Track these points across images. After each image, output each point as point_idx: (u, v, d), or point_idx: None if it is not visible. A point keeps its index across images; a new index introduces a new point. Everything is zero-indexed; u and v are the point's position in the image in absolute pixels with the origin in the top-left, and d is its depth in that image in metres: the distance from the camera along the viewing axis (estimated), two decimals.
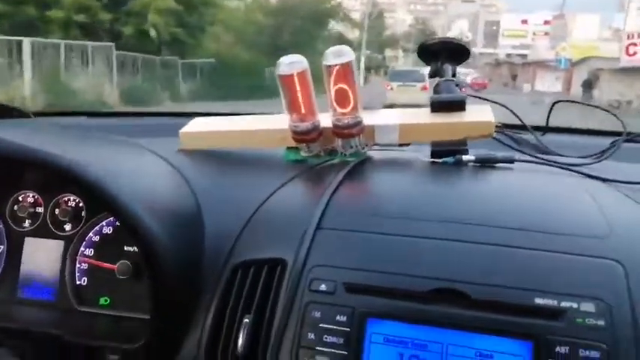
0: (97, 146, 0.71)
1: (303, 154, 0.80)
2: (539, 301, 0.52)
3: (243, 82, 12.36)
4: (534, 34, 43.65)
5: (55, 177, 0.73)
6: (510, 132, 0.90)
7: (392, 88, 13.61)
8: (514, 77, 32.98)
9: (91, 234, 0.75)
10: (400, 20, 61.72)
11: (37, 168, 0.60)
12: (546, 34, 40.84)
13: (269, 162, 0.81)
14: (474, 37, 54.54)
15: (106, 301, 0.73)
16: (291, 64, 0.73)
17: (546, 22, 42.28)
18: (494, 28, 49.40)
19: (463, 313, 0.52)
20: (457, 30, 53.37)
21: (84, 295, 0.74)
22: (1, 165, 0.74)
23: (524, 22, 44.94)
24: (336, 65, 0.72)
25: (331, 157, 0.80)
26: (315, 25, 20.47)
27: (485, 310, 0.52)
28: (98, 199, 0.57)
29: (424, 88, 12.99)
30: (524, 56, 35.45)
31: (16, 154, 0.57)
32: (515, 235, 0.57)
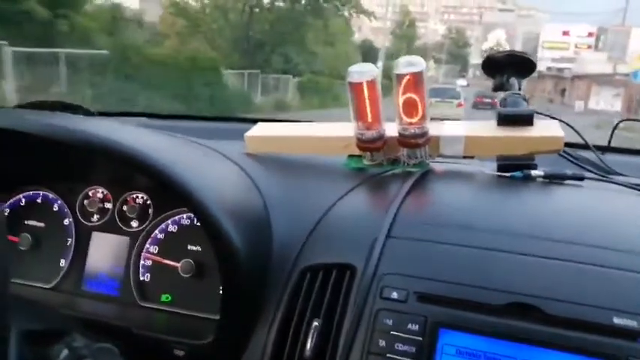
0: (172, 144, 0.73)
1: (365, 162, 0.80)
2: (617, 320, 0.50)
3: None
4: (577, 46, 41.26)
5: (128, 172, 0.75)
6: (571, 150, 0.89)
7: (430, 104, 13.99)
8: (562, 92, 29.42)
9: (156, 232, 0.77)
10: (432, 30, 60.48)
11: (120, 163, 0.61)
12: (589, 47, 38.85)
13: (331, 169, 0.81)
14: (512, 48, 52.39)
15: (167, 298, 0.74)
16: (362, 72, 0.73)
17: (590, 35, 40.12)
18: (533, 39, 47.14)
19: (538, 329, 0.51)
20: (493, 40, 51.64)
21: (147, 291, 0.75)
22: (76, 160, 0.76)
23: (566, 33, 42.22)
24: (406, 74, 0.72)
25: (393, 166, 0.80)
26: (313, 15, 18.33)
27: (560, 327, 0.51)
28: (177, 196, 0.58)
29: (459, 105, 14.51)
30: (561, 70, 32.37)
31: (104, 149, 0.58)
32: (591, 253, 0.56)
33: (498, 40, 51.36)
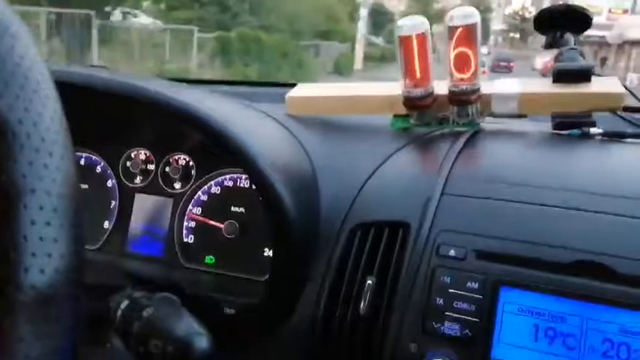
0: (223, 104, 0.71)
1: (412, 121, 0.77)
2: None
3: None
4: (610, 10, 36.22)
5: (171, 133, 0.74)
6: (627, 113, 0.85)
7: None
8: (603, 61, 25.50)
9: (199, 193, 0.76)
10: None
11: (177, 120, 0.60)
12: (625, 11, 34.20)
13: (377, 129, 0.79)
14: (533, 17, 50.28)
15: (211, 259, 0.73)
16: (412, 24, 0.70)
17: None
18: (561, 1, 45.38)
19: (606, 287, 0.49)
20: (518, 3, 48.46)
21: (191, 252, 0.75)
22: (119, 121, 0.75)
23: None
24: (459, 27, 0.69)
25: (441, 126, 0.77)
26: None
27: (628, 285, 0.48)
28: (230, 153, 0.57)
29: (484, 72, 14.97)
30: (602, 37, 28.29)
31: (164, 106, 0.58)
32: None
33: (523, 4, 47.81)
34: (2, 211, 0.26)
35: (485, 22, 50.90)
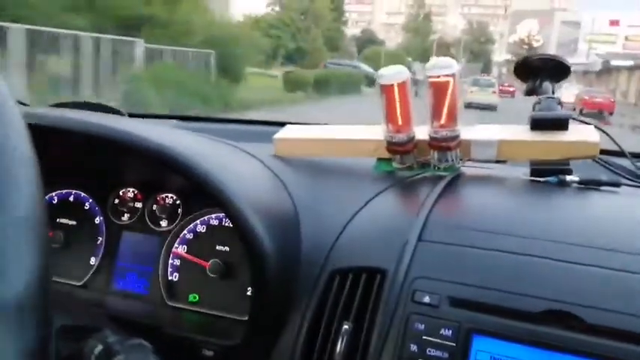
0: (205, 145, 0.73)
1: (395, 165, 0.79)
2: None
3: None
4: (627, 38, 33.56)
5: (159, 172, 0.75)
6: (606, 157, 0.87)
7: (472, 92, 17.42)
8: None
9: (185, 231, 0.77)
10: (451, 26, 55.49)
11: (153, 162, 0.62)
12: None
13: (360, 172, 0.81)
14: (546, 42, 44.78)
15: (195, 297, 0.74)
16: (393, 74, 0.73)
17: None
18: (572, 30, 39.85)
19: (576, 337, 0.50)
20: (524, 31, 46.09)
21: (175, 290, 0.76)
22: (108, 160, 0.77)
23: (614, 23, 33.93)
24: (437, 77, 0.71)
25: (423, 169, 0.79)
26: None
27: (600, 336, 0.49)
28: (209, 195, 0.59)
29: (494, 92, 18.17)
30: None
31: (138, 147, 0.60)
32: (631, 260, 0.54)
33: (530, 32, 45.80)
34: None
35: (487, 53, 47.76)
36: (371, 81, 16.31)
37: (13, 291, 0.28)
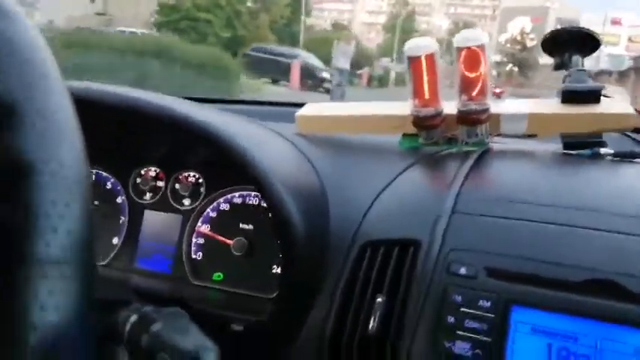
0: (236, 121, 0.72)
1: (421, 141, 0.78)
2: None
3: None
4: (631, 39, 31.24)
5: (181, 150, 0.74)
6: (634, 134, 0.86)
7: None
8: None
9: (208, 210, 0.76)
10: (436, 27, 52.94)
11: (187, 135, 0.61)
12: None
13: (386, 148, 0.79)
14: (540, 40, 43.28)
15: (219, 276, 0.73)
16: (421, 45, 0.71)
17: None
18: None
19: (620, 306, 0.48)
20: (516, 29, 41.90)
21: (199, 269, 0.74)
22: (129, 138, 0.75)
23: (616, 22, 31.53)
24: (467, 48, 0.70)
25: (450, 145, 0.77)
26: None
27: None
28: (241, 168, 0.58)
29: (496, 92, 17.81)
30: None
31: (179, 123, 0.58)
32: None
33: (522, 30, 41.31)
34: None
35: None
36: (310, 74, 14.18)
37: (63, 246, 0.27)
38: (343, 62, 10.37)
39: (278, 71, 14.14)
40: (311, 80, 14.38)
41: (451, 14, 58.45)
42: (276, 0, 25.17)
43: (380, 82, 21.88)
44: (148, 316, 0.47)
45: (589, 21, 33.41)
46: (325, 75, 14.04)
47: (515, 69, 36.46)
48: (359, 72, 19.46)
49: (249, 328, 0.63)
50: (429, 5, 59.52)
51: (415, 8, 45.21)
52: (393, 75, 22.54)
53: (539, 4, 46.79)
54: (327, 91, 12.03)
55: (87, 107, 0.60)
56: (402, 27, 37.91)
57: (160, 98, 0.63)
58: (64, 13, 16.95)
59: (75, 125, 0.31)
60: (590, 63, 0.81)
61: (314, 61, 16.16)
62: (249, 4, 22.34)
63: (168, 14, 18.38)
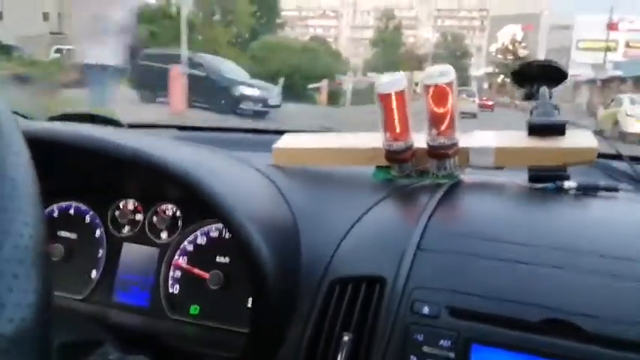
0: (203, 156, 0.73)
1: (393, 173, 0.80)
2: None
3: None
4: (629, 44, 28.64)
5: (159, 184, 0.75)
6: (604, 161, 0.87)
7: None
8: None
9: (185, 243, 0.77)
10: (424, 39, 50.68)
11: (151, 174, 0.62)
12: None
13: (359, 180, 0.81)
14: (533, 49, 39.72)
15: (195, 309, 0.74)
16: (391, 82, 0.73)
17: None
18: (562, 35, 33.93)
19: (575, 346, 0.50)
20: (507, 38, 40.49)
21: (176, 302, 0.75)
22: (108, 172, 0.77)
23: (613, 27, 28.12)
24: (435, 85, 0.72)
25: (422, 177, 0.79)
26: None
27: (599, 345, 0.49)
28: (207, 206, 0.59)
29: (474, 102, 19.48)
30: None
31: (137, 160, 0.59)
32: (631, 267, 0.54)
33: (513, 38, 40.17)
34: None
35: (463, 68, 41.23)
36: None
37: (12, 325, 0.28)
38: (275, 99, 10.00)
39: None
40: (220, 98, 9.83)
41: (438, 27, 57.05)
42: (239, 11, 22.86)
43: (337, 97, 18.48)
44: None
45: (584, 26, 31.40)
46: (249, 92, 10.19)
47: (508, 80, 32.62)
48: (316, 85, 17.41)
49: None
50: (415, 18, 58.31)
51: (402, 22, 43.86)
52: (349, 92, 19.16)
53: (529, 12, 45.60)
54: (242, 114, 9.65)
55: (60, 147, 0.63)
56: (388, 41, 36.98)
57: (116, 135, 0.64)
58: (21, 32, 16.40)
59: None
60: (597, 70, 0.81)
61: (230, 71, 10.93)
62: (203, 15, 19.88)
63: None
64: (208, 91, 9.69)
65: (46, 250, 0.32)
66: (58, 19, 22.31)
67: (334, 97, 17.89)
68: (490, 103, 25.48)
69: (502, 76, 37.47)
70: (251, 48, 21.19)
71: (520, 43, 40.07)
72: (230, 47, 21.66)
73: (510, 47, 39.63)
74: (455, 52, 43.20)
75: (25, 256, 0.30)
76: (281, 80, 11.89)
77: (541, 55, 36.25)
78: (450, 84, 0.72)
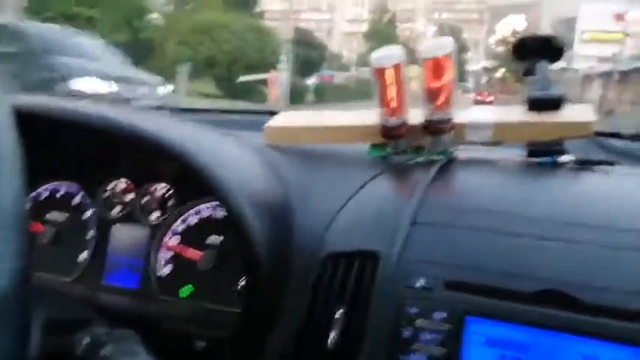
0: (198, 133, 0.72)
1: (389, 150, 0.78)
2: None
3: None
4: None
5: (150, 162, 0.74)
6: (602, 138, 0.87)
7: None
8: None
9: (177, 223, 0.76)
10: (420, 33, 49.60)
11: (144, 150, 0.61)
12: None
13: (354, 157, 0.80)
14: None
15: (188, 290, 0.73)
16: (387, 56, 0.72)
17: None
18: (567, 26, 32.20)
19: (570, 316, 0.49)
20: (507, 29, 39.67)
21: (167, 283, 0.74)
22: (98, 151, 0.75)
23: (620, 17, 26.17)
24: (433, 58, 0.70)
25: (417, 154, 0.77)
26: None
27: (593, 314, 0.49)
28: (202, 183, 0.58)
29: (468, 98, 20.94)
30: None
31: (131, 135, 0.58)
32: (625, 237, 0.53)
33: (515, 29, 39.02)
34: None
35: (460, 63, 42.99)
36: None
37: None
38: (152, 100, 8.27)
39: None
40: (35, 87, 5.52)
41: (435, 20, 55.52)
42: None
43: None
44: (100, 338, 0.48)
45: (588, 16, 29.60)
46: (89, 87, 5.92)
47: (508, 74, 32.49)
48: (265, 76, 13.90)
49: (213, 344, 0.63)
50: (411, 11, 56.41)
51: (397, 14, 42.85)
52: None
53: (530, 1, 43.64)
54: None
55: (54, 124, 0.61)
56: (383, 34, 35.69)
57: (120, 112, 0.63)
58: None
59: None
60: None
61: (74, 50, 6.64)
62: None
63: (38, 10, 12.61)
64: (17, 76, 5.60)
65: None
66: None
67: (296, 95, 14.96)
68: (490, 99, 23.38)
69: (503, 70, 35.98)
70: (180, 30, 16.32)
71: (519, 33, 38.93)
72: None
73: (511, 39, 38.10)
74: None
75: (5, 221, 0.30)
76: (183, 70, 9.58)
77: None
78: (448, 56, 0.70)
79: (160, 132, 0.59)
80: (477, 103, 20.36)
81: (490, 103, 20.73)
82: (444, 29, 45.29)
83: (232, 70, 13.97)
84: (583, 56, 27.56)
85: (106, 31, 11.69)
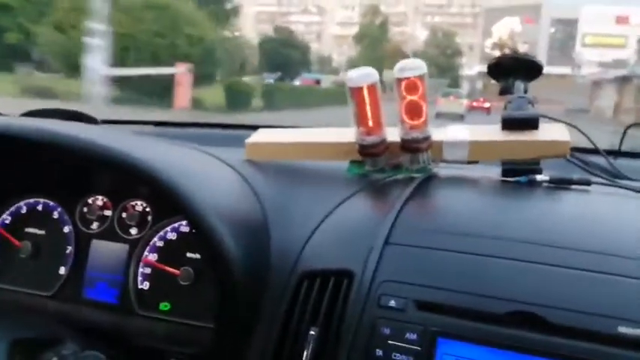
0: (169, 151, 0.72)
1: (367, 168, 0.79)
2: (623, 329, 0.48)
3: None
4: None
5: (128, 180, 0.74)
6: (580, 155, 0.87)
7: (442, 102, 18.33)
8: None
9: (155, 239, 0.76)
10: (412, 37, 48.34)
11: (113, 169, 0.61)
12: None
13: (332, 175, 0.80)
14: (533, 45, 35.15)
15: (166, 306, 0.73)
16: (362, 75, 0.72)
17: None
18: (566, 30, 31.40)
19: (541, 339, 0.50)
20: (504, 32, 37.56)
21: (145, 299, 0.74)
22: (77, 168, 0.76)
23: (623, 20, 25.67)
24: (407, 78, 0.71)
25: (396, 172, 0.78)
26: None
27: (563, 337, 0.49)
28: (172, 202, 0.58)
29: (461, 104, 19.09)
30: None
31: (99, 155, 0.58)
32: (596, 260, 0.54)
33: (511, 32, 37.35)
34: None
35: (454, 68, 38.84)
36: None
37: None
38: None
39: None
40: None
41: (428, 23, 53.14)
42: None
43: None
44: (66, 359, 0.48)
45: (589, 19, 28.27)
46: None
47: None
48: (172, 71, 10.30)
49: None
50: (403, 14, 54.55)
51: (388, 18, 41.36)
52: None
53: (527, 3, 40.34)
54: None
55: (26, 143, 0.61)
56: (374, 38, 34.87)
57: (86, 131, 0.63)
58: None
59: None
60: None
61: None
62: None
63: None
64: None
65: None
66: None
67: (235, 97, 12.28)
68: (487, 105, 21.04)
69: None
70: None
71: (518, 35, 37.39)
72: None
73: (509, 42, 36.38)
74: (445, 50, 40.83)
75: None
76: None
77: (543, 50, 33.81)
78: (421, 77, 0.71)
79: (129, 151, 0.59)
80: (473, 109, 19.91)
81: (487, 109, 20.17)
82: (437, 33, 44.22)
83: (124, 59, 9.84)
84: (588, 61, 26.42)
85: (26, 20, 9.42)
